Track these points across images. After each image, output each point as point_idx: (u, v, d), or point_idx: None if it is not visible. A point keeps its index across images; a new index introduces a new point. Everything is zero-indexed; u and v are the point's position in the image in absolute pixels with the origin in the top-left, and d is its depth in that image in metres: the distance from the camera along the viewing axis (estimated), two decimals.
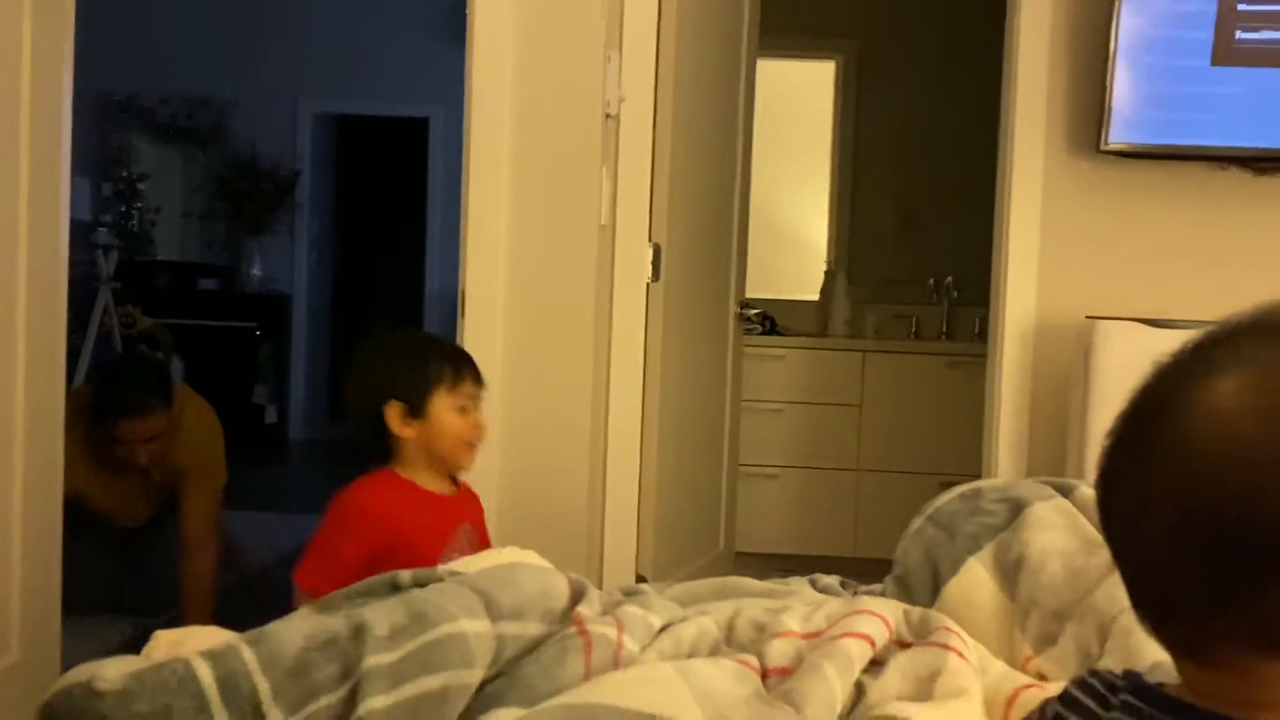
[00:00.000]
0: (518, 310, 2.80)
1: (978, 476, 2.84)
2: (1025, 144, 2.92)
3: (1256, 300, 2.51)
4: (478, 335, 2.78)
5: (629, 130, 2.87)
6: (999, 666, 1.23)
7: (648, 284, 2.90)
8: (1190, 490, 0.63)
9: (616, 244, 2.88)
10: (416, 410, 1.95)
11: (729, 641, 1.21)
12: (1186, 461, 0.63)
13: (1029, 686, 1.17)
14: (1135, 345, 2.61)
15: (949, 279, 4.86)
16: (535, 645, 1.09)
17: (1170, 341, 2.57)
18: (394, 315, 6.89)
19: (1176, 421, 0.64)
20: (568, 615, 1.12)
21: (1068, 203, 2.92)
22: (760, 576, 2.26)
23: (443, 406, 1.97)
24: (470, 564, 1.30)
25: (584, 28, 2.81)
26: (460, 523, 2.03)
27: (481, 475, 2.39)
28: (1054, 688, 1.25)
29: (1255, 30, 2.69)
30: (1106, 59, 2.73)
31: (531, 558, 1.34)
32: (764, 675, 1.13)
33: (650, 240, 2.90)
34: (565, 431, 2.79)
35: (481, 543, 2.04)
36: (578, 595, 1.15)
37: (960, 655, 1.16)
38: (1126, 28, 2.71)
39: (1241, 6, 2.68)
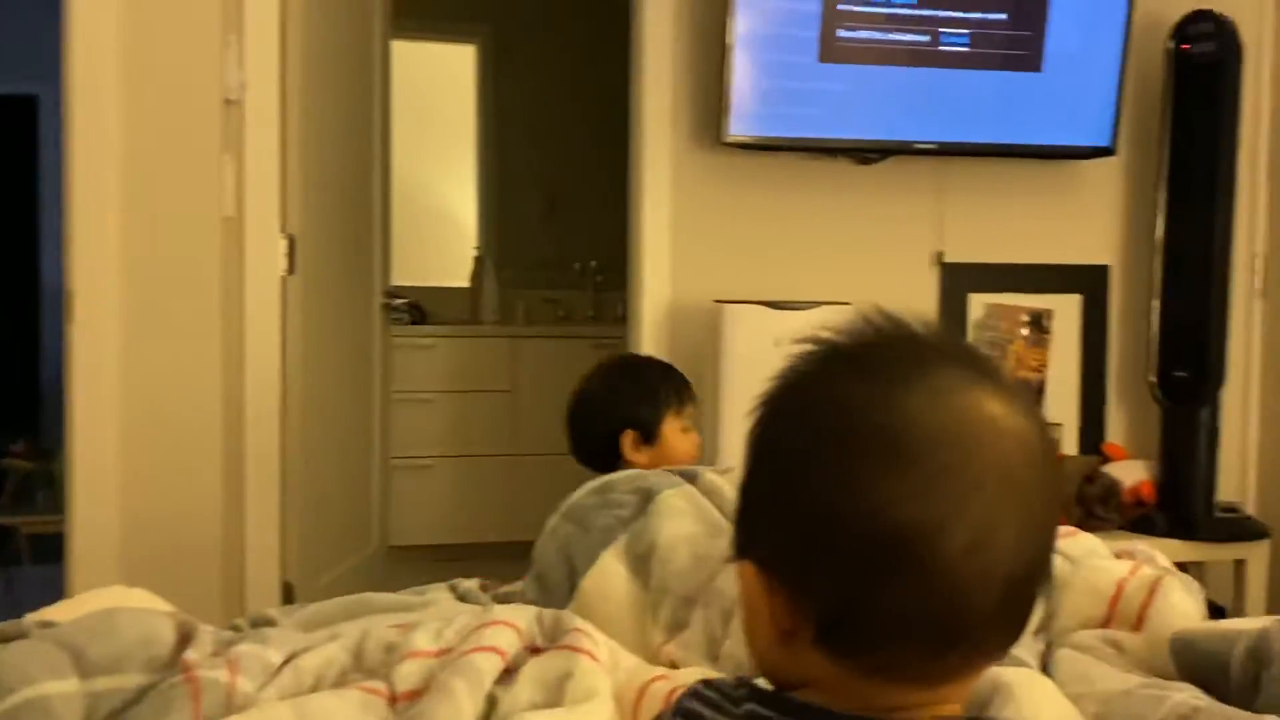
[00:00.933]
0: (135, 311, 2.59)
1: None
2: (654, 135, 3.00)
3: (867, 280, 2.60)
4: (89, 340, 2.55)
5: (254, 116, 2.71)
6: (630, 660, 1.24)
7: (283, 277, 2.76)
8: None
9: (246, 236, 2.71)
10: (650, 437, 2.07)
11: (358, 667, 1.16)
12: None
13: (658, 679, 1.19)
14: (759, 326, 2.75)
15: (593, 263, 4.96)
16: (138, 697, 1.00)
17: (789, 322, 2.67)
18: (5, 312, 6.28)
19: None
20: (174, 661, 1.03)
21: (695, 192, 3.02)
22: (416, 570, 2.20)
23: (672, 430, 2.09)
24: (68, 609, 1.18)
25: (200, 8, 2.64)
26: None
27: (97, 491, 2.19)
28: (683, 675, 1.28)
29: (854, 29, 2.88)
30: (724, 55, 2.84)
31: (139, 598, 1.23)
32: (393, 700, 1.09)
33: (284, 231, 2.76)
34: (194, 438, 2.62)
35: None
36: (185, 638, 1.07)
37: (591, 655, 1.15)
38: (741, 26, 2.82)
39: (841, 6, 2.86)
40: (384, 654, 1.17)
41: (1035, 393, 3.08)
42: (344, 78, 3.30)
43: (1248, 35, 3.02)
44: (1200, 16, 2.99)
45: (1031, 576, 0.66)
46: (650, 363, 2.44)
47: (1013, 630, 0.68)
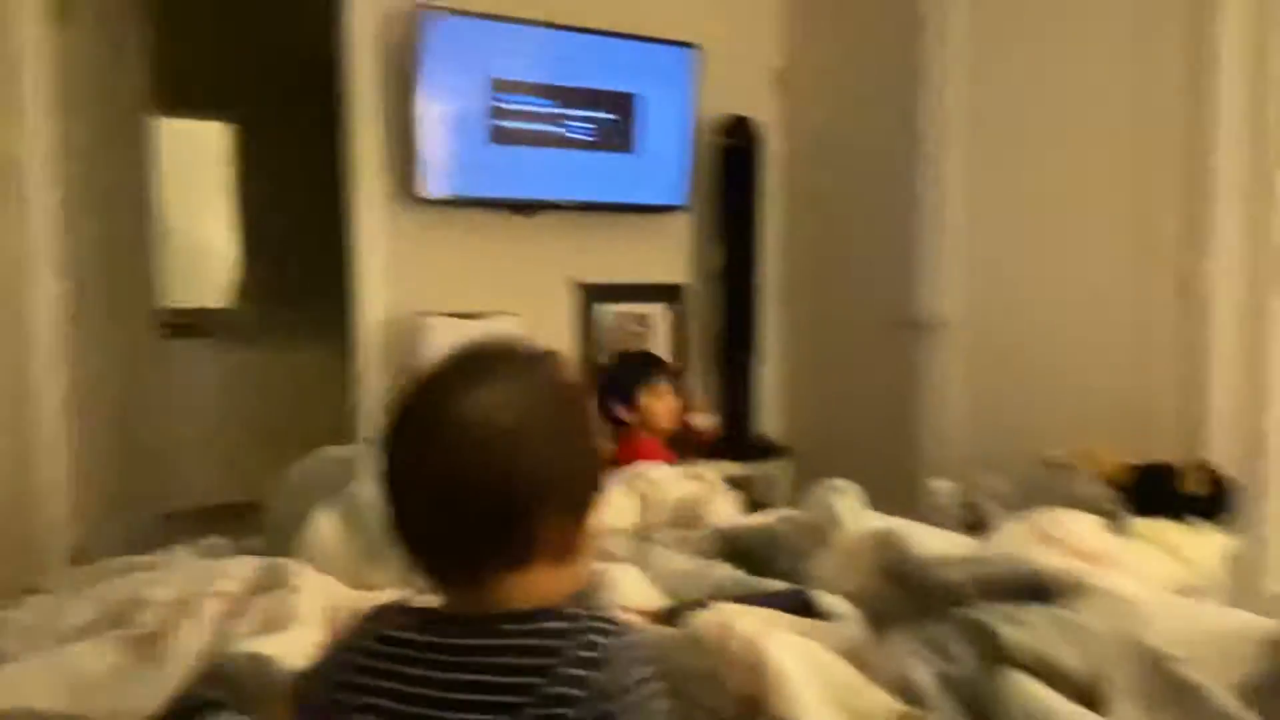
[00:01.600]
0: None
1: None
2: (366, 191, 2.83)
3: (530, 297, 2.50)
4: None
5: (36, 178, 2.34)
6: (341, 591, 1.17)
7: (59, 300, 2.40)
8: (464, 467, 0.64)
9: (31, 269, 2.34)
10: (631, 404, 2.14)
11: (110, 621, 1.02)
12: (464, 448, 0.64)
13: (356, 603, 1.13)
14: (452, 332, 2.68)
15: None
16: None
17: (473, 329, 2.56)
18: None
19: (448, 420, 0.65)
20: None
21: (400, 234, 2.88)
22: (192, 532, 1.97)
23: (648, 398, 2.15)
24: None
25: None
26: None
27: None
28: (377, 596, 1.21)
29: (513, 121, 2.86)
30: (415, 132, 2.74)
31: None
32: (137, 644, 0.97)
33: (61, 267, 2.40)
34: None
35: None
36: None
37: (303, 592, 1.08)
38: (426, 113, 2.74)
39: (501, 106, 2.82)
40: (130, 607, 1.04)
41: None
42: (116, 148, 2.92)
43: (765, 130, 3.17)
44: (736, 118, 3.12)
45: (460, 512, 0.64)
46: (627, 354, 2.45)
47: (466, 550, 0.65)
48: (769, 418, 3.35)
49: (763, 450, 3.15)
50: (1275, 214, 2.01)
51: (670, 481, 1.61)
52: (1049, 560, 1.10)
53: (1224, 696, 0.86)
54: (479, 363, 0.69)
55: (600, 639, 0.64)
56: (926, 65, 2.73)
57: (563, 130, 2.91)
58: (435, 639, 0.65)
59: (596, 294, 3.12)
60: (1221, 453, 2.13)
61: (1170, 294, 2.22)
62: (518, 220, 2.99)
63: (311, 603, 1.06)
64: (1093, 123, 2.37)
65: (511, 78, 2.82)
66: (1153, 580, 1.85)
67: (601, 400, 2.24)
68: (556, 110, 2.89)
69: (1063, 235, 2.44)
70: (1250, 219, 2.06)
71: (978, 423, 2.65)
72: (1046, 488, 2.07)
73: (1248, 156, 2.03)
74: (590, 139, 2.94)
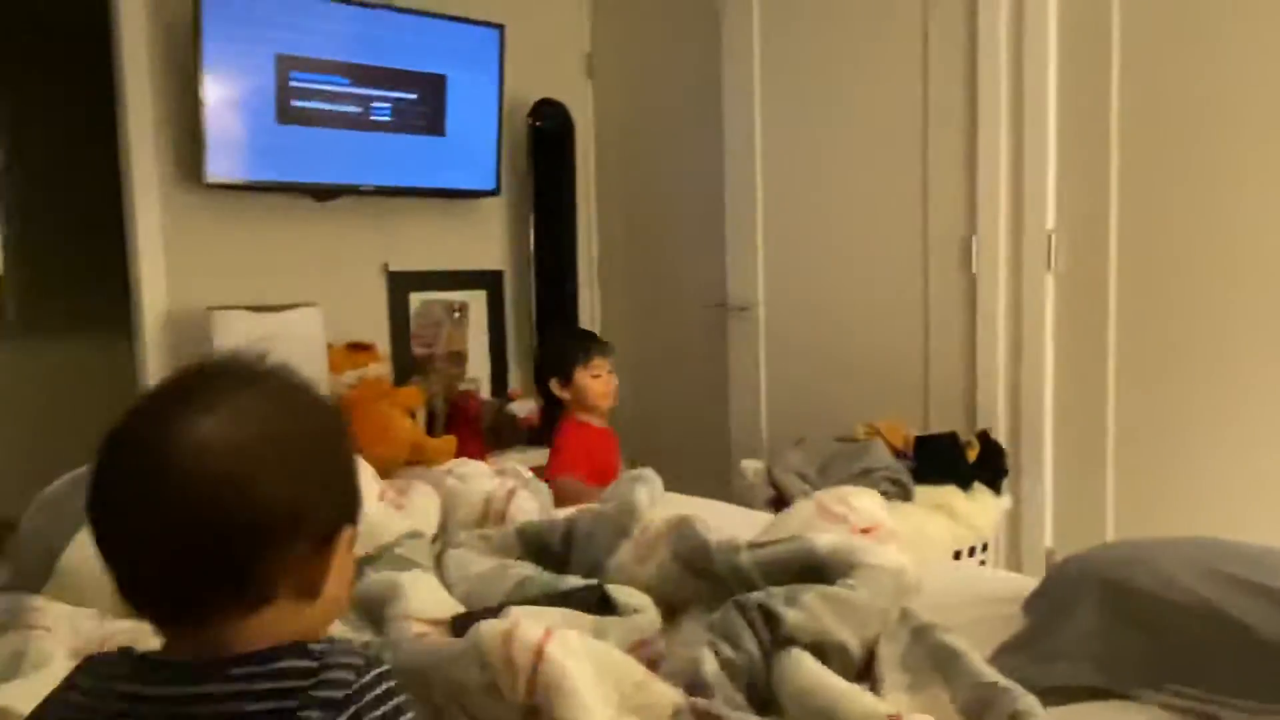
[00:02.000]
0: None
1: None
2: (143, 175, 2.58)
3: (333, 287, 2.37)
4: None
5: None
6: (90, 623, 1.06)
7: None
8: (198, 500, 0.57)
9: None
10: (566, 380, 2.13)
11: None
12: (192, 479, 0.57)
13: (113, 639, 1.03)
14: (244, 327, 2.50)
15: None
16: None
17: (269, 322, 2.38)
18: None
19: (162, 453, 0.57)
20: None
21: (185, 221, 2.65)
22: None
23: (582, 376, 2.11)
24: None
25: None
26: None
27: None
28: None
29: (305, 100, 2.69)
30: (200, 113, 2.53)
31: None
32: None
33: None
34: None
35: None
36: None
37: (45, 629, 0.97)
38: (211, 95, 2.52)
39: (292, 84, 2.65)
40: None
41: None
42: None
43: (576, 115, 3.20)
44: (546, 103, 3.10)
45: (178, 554, 0.57)
46: (564, 330, 2.35)
47: (185, 595, 0.58)
48: None
49: None
50: (1035, 195, 2.21)
51: (477, 478, 1.57)
52: (830, 536, 1.11)
53: (980, 663, 0.93)
54: (199, 384, 0.62)
55: (347, 675, 0.58)
56: (724, 55, 2.80)
57: (365, 111, 2.78)
58: (154, 690, 0.58)
59: (409, 282, 3.01)
60: (997, 421, 2.33)
61: (953, 273, 2.40)
62: (319, 205, 2.84)
63: (54, 640, 0.95)
64: (880, 115, 2.50)
65: (306, 55, 2.65)
66: (936, 543, 2.00)
67: (538, 376, 2.23)
68: (357, 90, 2.74)
69: (854, 220, 2.54)
70: (1014, 200, 2.25)
71: (782, 402, 2.74)
72: (842, 462, 2.19)
73: (1009, 143, 2.22)
74: (395, 121, 2.82)
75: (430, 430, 2.84)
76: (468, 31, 2.90)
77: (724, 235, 2.82)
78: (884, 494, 2.06)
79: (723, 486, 2.31)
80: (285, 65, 2.62)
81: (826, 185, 2.63)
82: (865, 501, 1.29)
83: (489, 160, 2.99)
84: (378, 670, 0.60)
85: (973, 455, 2.19)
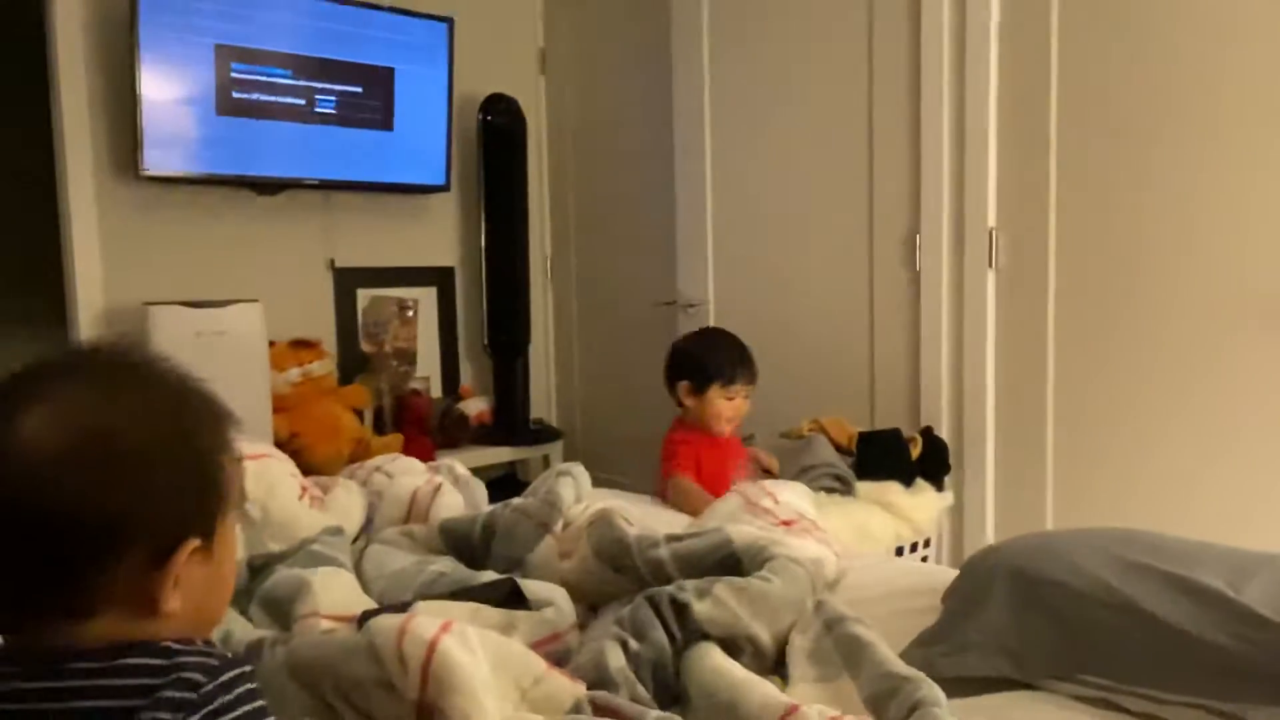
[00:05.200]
0: None
1: None
2: (78, 168, 2.51)
3: (276, 282, 2.28)
4: None
5: None
6: None
7: None
8: (9, 504, 0.54)
9: None
10: (699, 391, 1.97)
11: None
12: (4, 483, 0.54)
13: None
14: (181, 323, 2.44)
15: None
16: None
17: (207, 319, 2.31)
18: None
19: None
20: None
21: (122, 215, 2.59)
22: None
23: (716, 393, 1.96)
24: None
25: None
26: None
27: None
28: None
29: (246, 92, 2.64)
30: (136, 107, 2.47)
31: None
32: None
33: None
34: None
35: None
36: None
37: None
38: (148, 86, 2.46)
39: (233, 75, 2.60)
40: None
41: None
42: None
43: (529, 110, 3.13)
44: (497, 98, 3.05)
45: None
46: (721, 338, 2.09)
47: (3, 596, 0.55)
48: (541, 401, 3.33)
49: (535, 434, 3.11)
50: (976, 193, 2.23)
51: (406, 475, 1.54)
52: (748, 529, 1.11)
53: (888, 653, 0.92)
54: (39, 376, 0.57)
55: (199, 676, 0.55)
56: (674, 53, 2.78)
57: (309, 104, 2.73)
58: None
59: (356, 278, 2.97)
60: (940, 417, 2.33)
61: (897, 270, 2.40)
62: (262, 200, 2.79)
63: None
64: (826, 114, 2.46)
65: (247, 45, 2.60)
66: (878, 539, 2.00)
67: (673, 372, 2.04)
68: (300, 83, 2.69)
69: (801, 218, 2.52)
70: (956, 198, 2.27)
71: None
72: (787, 459, 2.18)
73: (952, 143, 2.24)
74: (341, 114, 2.77)
75: (379, 429, 2.81)
76: (416, 24, 2.85)
77: (675, 232, 2.81)
78: (826, 490, 2.07)
79: None
80: (226, 56, 2.57)
81: (775, 183, 2.61)
82: (789, 495, 1.28)
83: (438, 155, 2.95)
84: (236, 670, 0.56)
85: (916, 451, 2.19)
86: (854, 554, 1.44)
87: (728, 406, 2.02)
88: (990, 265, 2.20)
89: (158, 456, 0.57)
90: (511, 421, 3.08)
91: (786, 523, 1.24)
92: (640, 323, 3.02)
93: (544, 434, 3.15)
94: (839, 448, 2.20)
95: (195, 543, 0.58)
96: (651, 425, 3.07)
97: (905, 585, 1.30)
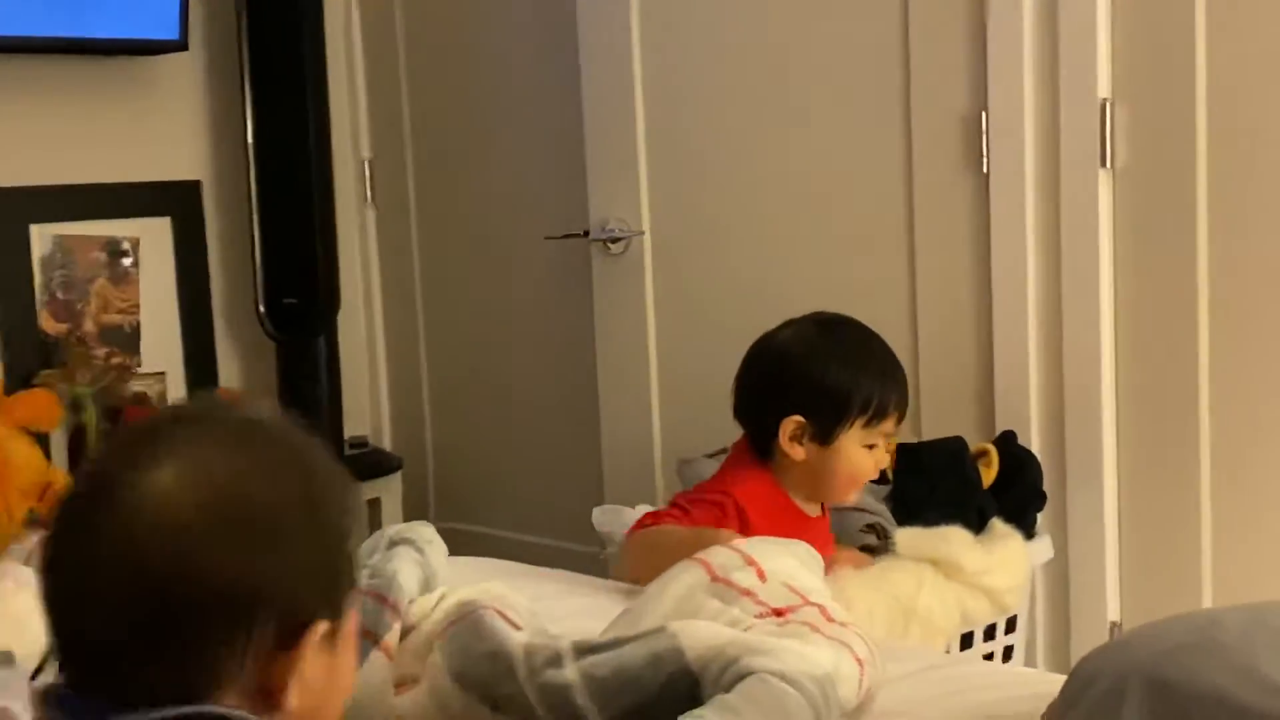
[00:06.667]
0: None
1: None
2: None
3: None
4: None
5: None
6: None
7: None
8: (137, 568, 0.77)
9: None
10: (824, 437, 1.86)
11: None
12: (133, 543, 0.77)
13: None
14: None
15: None
16: None
17: None
18: None
19: (122, 508, 0.78)
20: None
21: None
22: None
23: (851, 441, 1.87)
24: None
25: None
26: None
27: None
28: None
29: None
30: None
31: None
32: None
33: None
34: None
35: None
36: None
37: None
38: None
39: None
40: None
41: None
42: None
43: None
44: None
45: (106, 626, 0.78)
46: (866, 339, 1.97)
47: (111, 669, 0.79)
48: (361, 408, 3.33)
49: (353, 464, 3.00)
50: (1076, 50, 2.22)
51: None
52: (713, 629, 1.13)
53: None
54: (161, 431, 0.83)
55: None
56: None
57: None
58: None
59: (27, 205, 2.87)
60: (1028, 420, 2.33)
61: (952, 173, 2.40)
62: None
63: None
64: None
65: None
66: (930, 621, 2.00)
67: (773, 398, 1.91)
68: None
69: (792, 100, 2.59)
70: (1046, 58, 2.26)
71: (686, 382, 2.79)
72: None
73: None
74: None
75: (75, 460, 2.76)
76: None
77: (581, 125, 2.82)
78: (861, 548, 2.05)
79: (589, 530, 2.25)
80: None
81: (748, 43, 2.61)
82: (782, 563, 1.26)
83: None
84: None
85: (990, 474, 2.20)
86: (893, 651, 1.43)
87: (869, 459, 1.94)
88: (1104, 163, 2.21)
89: (292, 523, 0.80)
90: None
91: (779, 612, 1.23)
92: (531, 270, 3.01)
93: (369, 464, 3.11)
94: None
95: (324, 625, 0.80)
96: (561, 440, 3.03)
97: (978, 704, 1.30)
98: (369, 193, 3.36)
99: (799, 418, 1.86)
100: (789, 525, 1.89)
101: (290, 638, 0.79)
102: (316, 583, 0.81)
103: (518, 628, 1.19)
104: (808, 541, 1.77)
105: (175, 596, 0.76)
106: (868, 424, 1.87)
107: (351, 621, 0.85)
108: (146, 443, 0.81)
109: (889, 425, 1.91)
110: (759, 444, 1.92)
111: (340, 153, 3.22)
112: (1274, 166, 2.11)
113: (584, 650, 1.12)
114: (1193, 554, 2.21)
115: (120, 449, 0.84)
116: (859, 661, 1.22)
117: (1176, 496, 2.22)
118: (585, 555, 2.32)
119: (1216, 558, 2.19)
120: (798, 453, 1.87)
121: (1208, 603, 2.20)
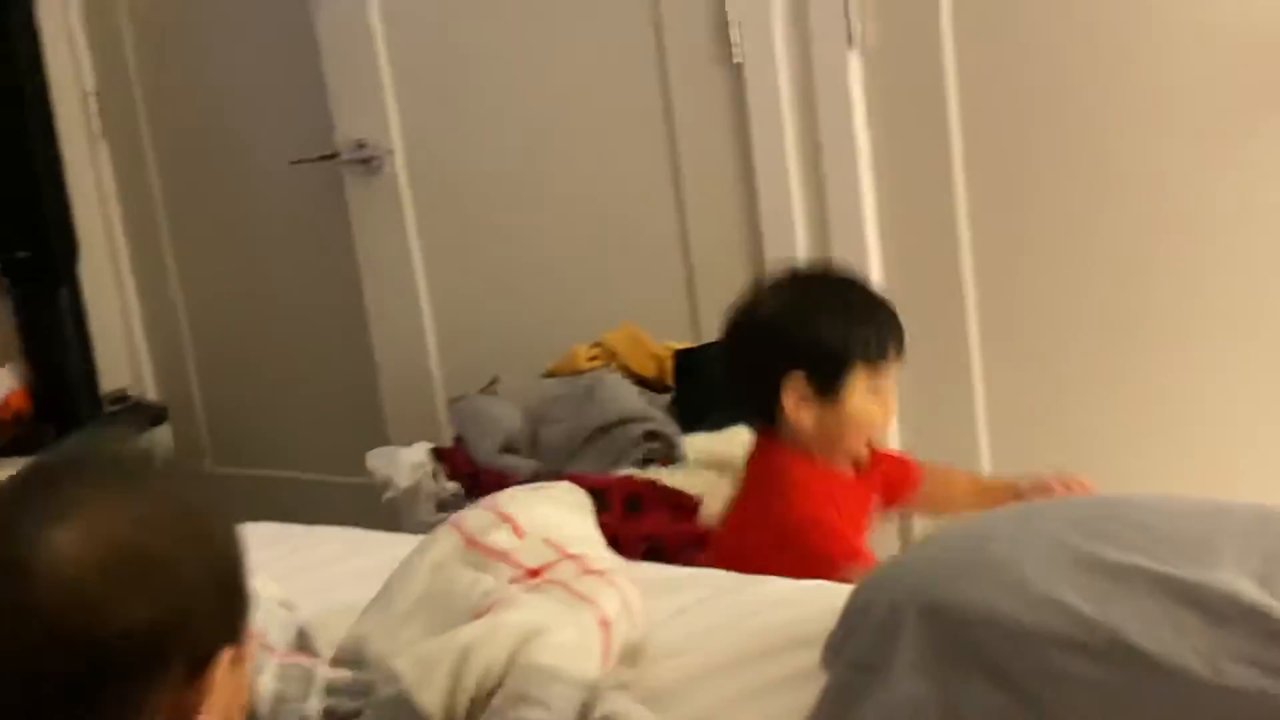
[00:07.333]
0: None
1: None
2: None
3: None
4: None
5: None
6: None
7: None
8: (46, 631, 0.79)
9: None
10: (827, 388, 1.81)
11: None
12: (38, 607, 0.79)
13: None
14: None
15: None
16: None
17: None
18: None
19: (21, 570, 0.79)
20: None
21: None
22: None
23: (857, 389, 1.82)
24: None
25: None
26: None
27: None
28: None
29: None
30: None
31: None
32: None
33: None
34: None
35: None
36: None
37: None
38: None
39: None
40: None
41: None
42: None
43: None
44: None
45: (17, 682, 0.80)
46: (840, 282, 1.92)
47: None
48: (117, 358, 3.26)
49: (114, 420, 3.08)
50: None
51: None
52: (476, 624, 1.11)
53: None
54: (54, 483, 0.86)
55: None
56: None
57: None
58: None
59: None
60: None
61: (704, 67, 2.41)
62: None
63: None
64: None
65: None
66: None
67: (767, 362, 1.84)
68: None
69: (527, 19, 2.58)
70: None
71: (455, 309, 2.79)
72: (564, 414, 2.15)
73: None
74: None
75: None
76: None
77: (316, 43, 2.75)
78: (639, 462, 2.03)
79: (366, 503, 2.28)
80: None
81: None
82: (539, 511, 1.29)
83: None
84: None
85: None
86: (674, 582, 1.45)
87: (880, 406, 1.89)
88: (849, 42, 2.24)
89: (191, 564, 0.84)
90: (67, 403, 2.98)
91: (534, 572, 1.23)
92: (284, 198, 2.99)
93: (132, 419, 3.07)
94: (643, 383, 2.20)
95: (230, 652, 0.85)
96: (336, 375, 2.95)
97: (771, 625, 1.28)
98: (98, 128, 3.23)
99: (801, 380, 1.80)
100: (832, 482, 1.89)
101: (199, 668, 0.83)
102: (220, 615, 0.86)
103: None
104: (856, 501, 1.91)
105: (88, 654, 0.79)
106: (873, 367, 1.82)
107: (250, 640, 0.90)
108: (39, 498, 0.84)
109: (893, 362, 1.86)
110: (767, 422, 1.86)
111: (60, 87, 3.11)
112: (1020, 35, 2.17)
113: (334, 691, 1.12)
114: (967, 417, 2.34)
115: (12, 505, 0.85)
116: (604, 624, 1.21)
117: (945, 365, 2.31)
118: (370, 488, 2.27)
119: (991, 416, 2.33)
120: (806, 418, 1.82)
121: (985, 459, 2.31)
